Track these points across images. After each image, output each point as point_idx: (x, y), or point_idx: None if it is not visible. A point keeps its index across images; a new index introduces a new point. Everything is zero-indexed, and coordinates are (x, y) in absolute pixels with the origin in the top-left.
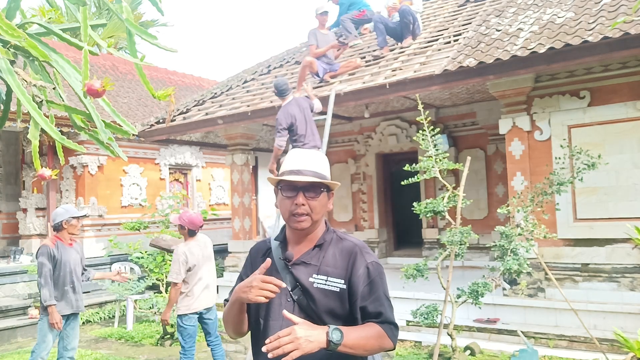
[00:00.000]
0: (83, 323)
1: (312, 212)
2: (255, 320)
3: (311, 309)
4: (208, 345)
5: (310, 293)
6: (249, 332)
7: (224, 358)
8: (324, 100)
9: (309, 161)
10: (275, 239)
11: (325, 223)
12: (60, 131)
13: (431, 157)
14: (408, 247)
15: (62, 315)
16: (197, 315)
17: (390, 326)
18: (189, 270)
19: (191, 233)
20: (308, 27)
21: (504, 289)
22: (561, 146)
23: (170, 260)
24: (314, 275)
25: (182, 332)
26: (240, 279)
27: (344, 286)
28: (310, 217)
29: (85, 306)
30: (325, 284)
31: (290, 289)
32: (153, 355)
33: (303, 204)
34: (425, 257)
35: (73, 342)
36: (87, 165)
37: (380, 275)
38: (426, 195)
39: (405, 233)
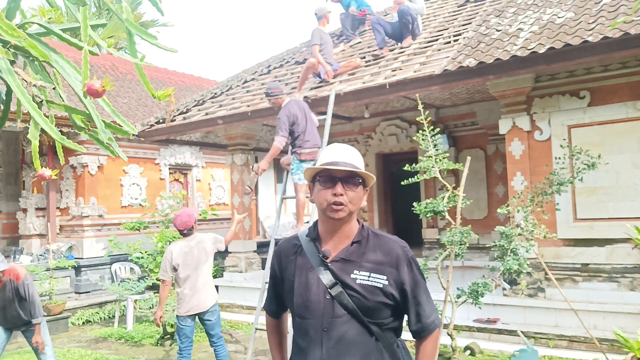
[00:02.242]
0: (83, 323)
1: (350, 203)
2: (295, 318)
3: (353, 305)
4: (211, 345)
5: (354, 289)
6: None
7: (227, 359)
8: (324, 100)
9: (345, 154)
10: (306, 236)
11: (358, 220)
12: (60, 131)
13: (431, 157)
14: None
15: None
16: (193, 317)
17: (433, 322)
18: (175, 270)
19: (180, 232)
20: (308, 27)
21: (504, 289)
22: (561, 146)
23: None
24: (356, 272)
25: (178, 332)
26: (273, 279)
27: (386, 282)
28: (348, 208)
29: (85, 306)
30: (368, 280)
31: (328, 287)
32: (153, 355)
33: (342, 194)
34: (425, 257)
35: (46, 349)
36: (87, 165)
37: (419, 268)
38: (426, 195)
39: (405, 233)
